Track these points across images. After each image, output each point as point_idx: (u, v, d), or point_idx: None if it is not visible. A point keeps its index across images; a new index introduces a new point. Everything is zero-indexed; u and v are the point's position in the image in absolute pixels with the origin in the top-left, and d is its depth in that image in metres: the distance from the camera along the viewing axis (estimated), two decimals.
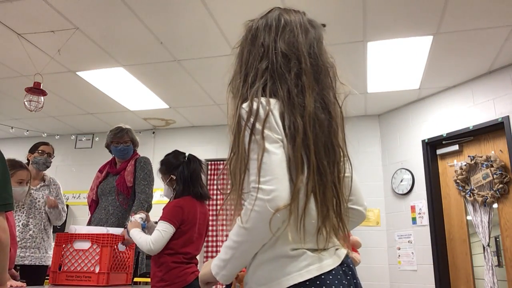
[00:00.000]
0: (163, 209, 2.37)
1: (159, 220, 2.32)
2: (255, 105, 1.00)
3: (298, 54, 1.07)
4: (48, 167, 3.40)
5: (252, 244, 0.96)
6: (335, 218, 1.02)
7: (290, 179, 0.96)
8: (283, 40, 1.08)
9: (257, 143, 0.96)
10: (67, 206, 5.96)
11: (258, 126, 0.97)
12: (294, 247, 0.97)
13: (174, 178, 2.45)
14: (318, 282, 0.93)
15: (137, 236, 2.30)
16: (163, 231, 2.25)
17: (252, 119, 0.98)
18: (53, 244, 3.28)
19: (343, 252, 1.03)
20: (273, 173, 0.93)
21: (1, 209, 1.49)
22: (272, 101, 1.02)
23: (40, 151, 3.35)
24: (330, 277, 0.95)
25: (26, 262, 3.09)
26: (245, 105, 1.02)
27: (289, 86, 1.03)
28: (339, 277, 0.96)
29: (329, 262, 0.97)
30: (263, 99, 1.01)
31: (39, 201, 3.28)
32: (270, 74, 1.06)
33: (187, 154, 2.53)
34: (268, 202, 0.91)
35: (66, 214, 6.27)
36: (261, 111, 0.99)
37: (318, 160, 1.00)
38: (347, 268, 1.01)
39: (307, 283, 0.93)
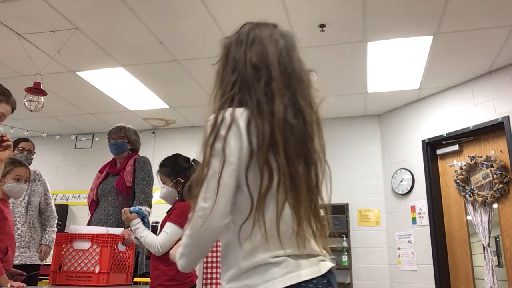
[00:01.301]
0: (171, 211, 2.34)
1: (167, 221, 2.30)
2: (219, 118, 1.02)
3: (267, 64, 1.09)
4: (29, 164, 3.34)
5: (197, 248, 1.02)
6: (313, 221, 1.03)
7: (248, 193, 0.98)
8: (252, 52, 1.12)
9: (211, 160, 1.00)
10: (67, 206, 5.99)
11: (215, 143, 1.00)
12: (274, 255, 0.97)
13: (182, 180, 2.44)
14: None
15: (144, 233, 2.27)
16: (171, 233, 2.24)
17: (212, 136, 1.01)
18: (33, 244, 3.26)
19: (326, 265, 1.02)
20: (213, 191, 0.97)
21: None
22: (239, 110, 1.04)
23: (20, 148, 3.30)
24: (311, 285, 0.96)
25: (16, 262, 3.04)
26: (211, 118, 1.05)
27: (258, 95, 1.05)
28: (320, 287, 0.97)
29: (308, 271, 0.97)
30: (229, 110, 1.03)
31: (24, 199, 3.22)
32: (240, 85, 1.08)
33: (191, 159, 2.54)
34: (201, 218, 0.97)
35: (66, 214, 6.24)
36: (223, 125, 1.01)
37: (290, 165, 1.00)
38: (327, 282, 1.00)
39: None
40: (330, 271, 1.02)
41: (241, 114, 1.03)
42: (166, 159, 2.51)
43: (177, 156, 2.53)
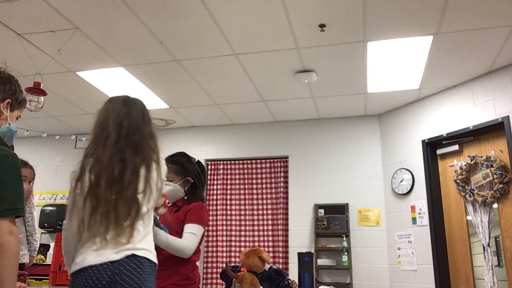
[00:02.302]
0: (190, 212, 2.31)
1: (191, 223, 2.26)
2: (78, 166, 1.64)
3: (106, 126, 1.67)
4: None
5: (67, 251, 1.68)
6: (114, 230, 1.55)
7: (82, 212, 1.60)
8: (100, 119, 1.70)
9: (69, 195, 1.66)
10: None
11: (72, 184, 1.64)
12: (81, 249, 1.57)
13: (192, 180, 2.43)
14: (81, 273, 1.51)
15: (169, 237, 2.16)
16: (199, 234, 2.25)
17: (70, 180, 1.65)
18: (25, 241, 3.25)
19: (112, 256, 1.52)
20: (69, 214, 1.64)
21: (9, 214, 1.45)
22: (88, 160, 1.63)
23: None
24: (92, 269, 1.50)
25: None
26: (76, 167, 1.66)
27: (99, 148, 1.63)
28: (99, 269, 1.49)
29: (92, 260, 1.51)
30: (82, 162, 1.64)
31: None
32: (94, 142, 1.67)
33: (196, 160, 2.54)
34: (64, 230, 1.67)
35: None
36: (77, 173, 1.63)
37: (107, 194, 1.57)
38: (110, 266, 1.50)
39: (77, 273, 1.53)
40: (123, 259, 1.52)
41: (88, 163, 1.62)
42: (177, 156, 2.47)
43: (186, 155, 2.51)
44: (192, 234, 2.22)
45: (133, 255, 1.54)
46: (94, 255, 1.52)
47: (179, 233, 2.25)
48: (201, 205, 2.38)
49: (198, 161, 2.54)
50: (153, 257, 1.63)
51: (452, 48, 3.71)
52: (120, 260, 1.52)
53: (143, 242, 1.61)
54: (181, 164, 2.43)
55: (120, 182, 1.59)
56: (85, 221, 1.57)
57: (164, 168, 1.78)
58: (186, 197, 2.42)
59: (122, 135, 1.66)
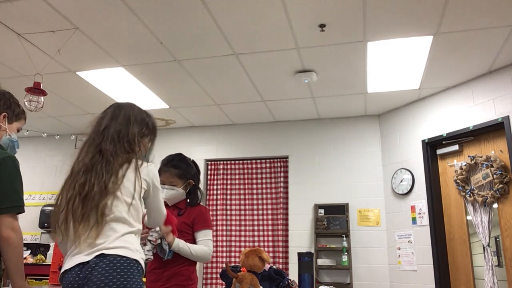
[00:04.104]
0: (199, 218, 2.36)
1: (205, 229, 2.37)
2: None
3: (88, 135, 1.76)
4: None
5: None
6: (83, 231, 1.54)
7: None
8: (88, 131, 1.79)
9: None
10: None
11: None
12: (67, 251, 1.60)
13: (193, 183, 2.45)
14: (63, 276, 1.54)
15: (195, 248, 2.28)
16: (212, 237, 2.39)
17: None
18: None
19: (83, 258, 1.51)
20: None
21: (11, 210, 1.63)
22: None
23: None
24: (67, 274, 1.52)
25: None
26: None
27: (78, 156, 1.74)
28: (72, 273, 1.51)
29: (68, 264, 1.53)
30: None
31: None
32: (79, 152, 1.75)
33: (191, 159, 2.55)
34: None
35: None
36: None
37: (69, 200, 1.61)
38: (82, 269, 1.50)
39: (60, 280, 1.58)
40: (90, 262, 1.50)
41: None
42: (177, 160, 2.46)
43: (186, 157, 2.51)
44: (209, 240, 2.36)
45: (102, 255, 1.50)
46: (70, 260, 1.55)
47: (188, 235, 2.33)
48: (205, 208, 2.45)
49: (193, 160, 2.55)
50: (129, 253, 1.54)
51: (452, 48, 3.71)
52: (89, 261, 1.50)
53: (119, 240, 1.55)
54: (183, 168, 2.44)
55: (85, 184, 1.63)
56: (63, 227, 1.60)
57: (146, 170, 1.73)
58: (188, 200, 2.44)
59: (97, 138, 1.72)
